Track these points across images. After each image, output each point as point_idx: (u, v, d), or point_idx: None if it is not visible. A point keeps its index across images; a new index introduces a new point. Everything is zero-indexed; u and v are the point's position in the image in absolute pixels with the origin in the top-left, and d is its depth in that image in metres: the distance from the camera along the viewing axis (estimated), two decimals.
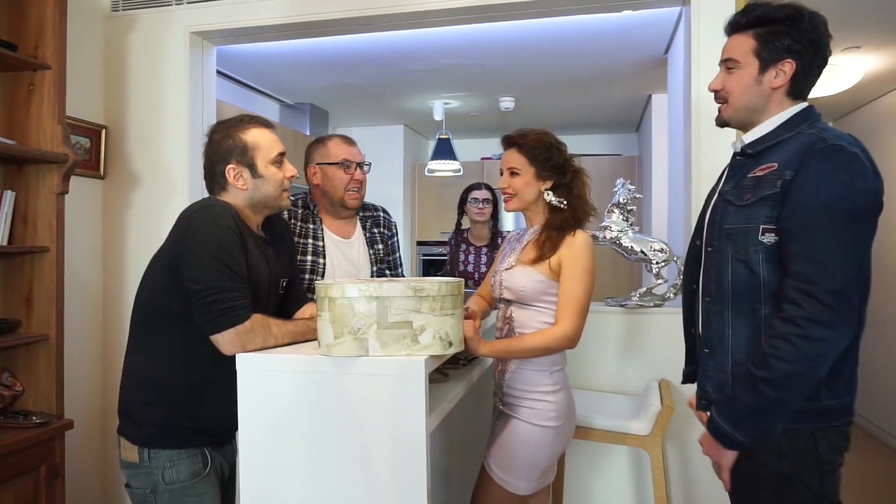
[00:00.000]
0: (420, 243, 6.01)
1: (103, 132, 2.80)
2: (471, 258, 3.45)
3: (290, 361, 1.38)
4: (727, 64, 1.39)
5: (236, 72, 4.08)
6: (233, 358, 1.40)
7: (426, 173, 5.05)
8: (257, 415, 1.39)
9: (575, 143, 6.12)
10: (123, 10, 2.81)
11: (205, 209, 1.49)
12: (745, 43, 1.36)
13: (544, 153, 1.76)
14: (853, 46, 3.26)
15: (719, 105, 1.44)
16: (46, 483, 2.11)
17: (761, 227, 1.28)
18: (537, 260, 1.72)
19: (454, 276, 3.11)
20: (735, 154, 1.44)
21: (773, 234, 1.27)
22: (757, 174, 1.32)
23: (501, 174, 1.82)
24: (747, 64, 1.35)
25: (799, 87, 1.36)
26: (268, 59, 3.81)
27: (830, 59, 1.39)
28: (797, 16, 1.31)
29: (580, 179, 1.80)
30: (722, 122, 1.45)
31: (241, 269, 1.47)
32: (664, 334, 2.45)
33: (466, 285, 3.26)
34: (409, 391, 1.30)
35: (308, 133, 4.72)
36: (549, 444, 1.74)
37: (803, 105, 1.37)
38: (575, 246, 1.69)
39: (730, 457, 1.32)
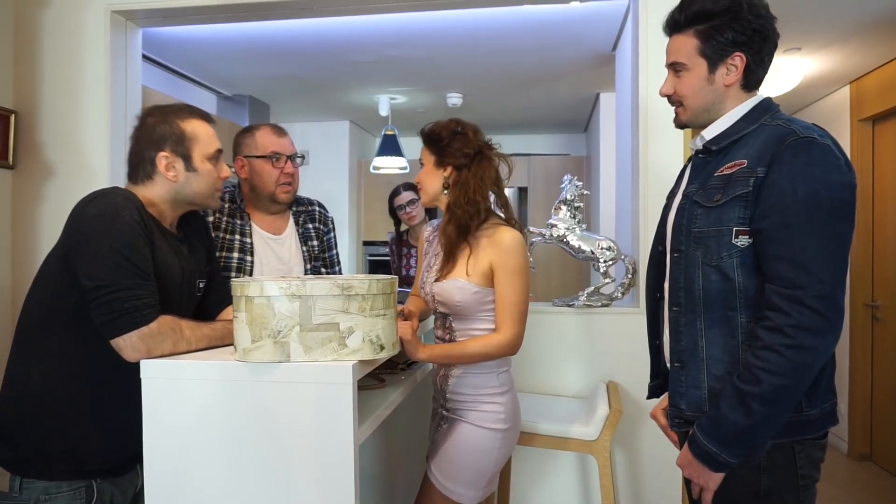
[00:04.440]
0: (366, 243, 5.85)
1: (12, 117, 2.56)
2: (413, 262, 3.35)
3: (202, 368, 1.22)
4: (674, 67, 1.32)
5: (168, 59, 3.85)
6: (135, 368, 1.24)
7: (372, 170, 4.90)
8: (164, 429, 1.23)
9: (523, 143, 6.16)
10: None
11: (102, 197, 1.33)
12: (688, 43, 1.28)
13: (441, 138, 1.66)
14: (793, 48, 3.30)
15: (675, 108, 1.37)
16: None
17: (734, 229, 1.20)
18: (452, 267, 1.62)
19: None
20: (697, 152, 1.36)
21: (747, 237, 1.19)
22: (725, 172, 1.24)
23: None
24: (695, 65, 1.28)
25: (753, 79, 1.30)
26: (203, 47, 3.60)
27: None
28: (735, 7, 1.24)
29: (478, 166, 1.64)
30: (681, 125, 1.38)
31: (146, 264, 1.31)
32: (612, 335, 2.39)
33: None
34: (335, 400, 1.17)
35: None
36: (497, 448, 1.66)
37: (761, 97, 1.31)
38: (503, 247, 1.59)
39: (716, 479, 1.22)
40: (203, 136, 1.46)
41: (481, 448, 1.64)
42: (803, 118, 1.28)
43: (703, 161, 1.34)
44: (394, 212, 3.37)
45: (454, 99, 4.64)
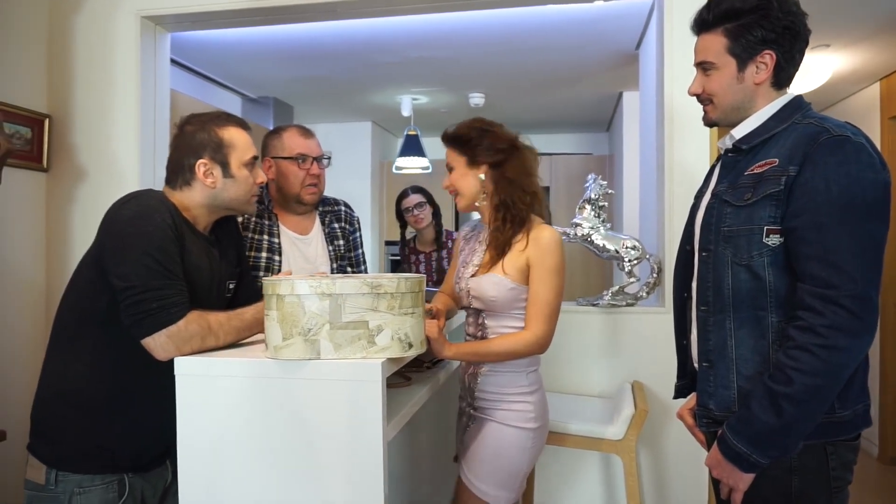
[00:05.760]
0: (388, 243, 5.88)
1: (47, 122, 2.62)
2: (422, 268, 3.36)
3: (234, 365, 1.25)
4: (703, 66, 1.31)
5: (195, 62, 3.91)
6: (166, 367, 1.27)
7: (394, 171, 4.93)
8: (198, 424, 1.25)
9: (546, 142, 6.14)
10: None
11: (135, 200, 1.36)
12: (717, 42, 1.27)
13: (470, 138, 1.65)
14: (822, 45, 3.25)
15: (704, 106, 1.35)
16: None
17: (765, 228, 1.19)
18: (496, 263, 1.62)
19: None
20: (726, 151, 1.35)
21: (779, 236, 1.18)
22: (756, 171, 1.22)
23: None
24: (724, 64, 1.27)
25: (784, 76, 1.28)
26: (228, 49, 3.65)
27: None
28: (765, 4, 1.22)
29: (517, 159, 1.64)
30: (710, 123, 1.37)
31: (177, 266, 1.33)
32: (637, 334, 2.38)
33: None
34: (364, 397, 1.18)
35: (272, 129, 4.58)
36: (529, 447, 1.65)
37: (791, 95, 1.29)
38: (541, 244, 1.59)
39: (746, 480, 1.21)
40: (240, 144, 1.48)
41: (513, 447, 1.63)
42: (832, 116, 1.26)
43: (732, 160, 1.32)
44: (401, 214, 3.38)
45: (476, 99, 4.64)
